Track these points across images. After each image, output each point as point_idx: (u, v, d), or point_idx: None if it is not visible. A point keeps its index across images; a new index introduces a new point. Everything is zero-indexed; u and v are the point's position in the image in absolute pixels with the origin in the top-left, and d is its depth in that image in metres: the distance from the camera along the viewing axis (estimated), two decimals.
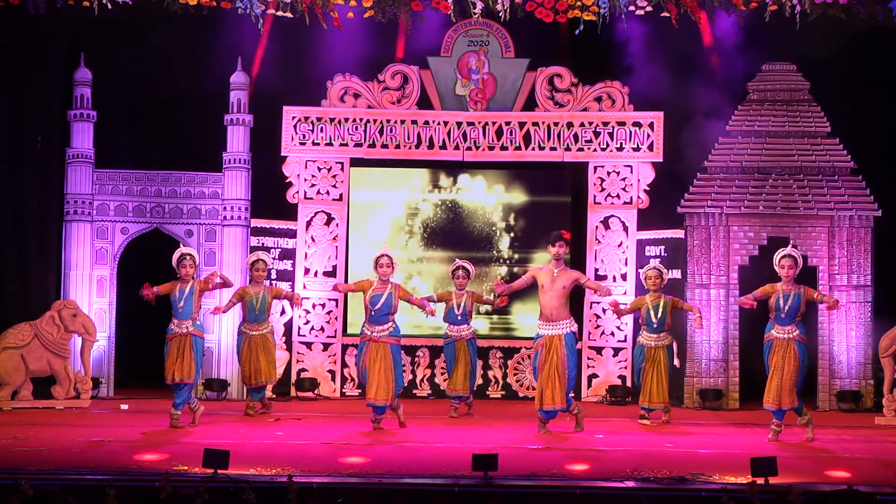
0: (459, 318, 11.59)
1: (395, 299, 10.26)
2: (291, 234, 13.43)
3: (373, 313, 10.23)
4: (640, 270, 11.92)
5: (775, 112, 13.17)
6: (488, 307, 12.47)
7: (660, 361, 11.07)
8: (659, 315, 11.05)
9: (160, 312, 10.57)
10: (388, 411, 10.26)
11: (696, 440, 9.88)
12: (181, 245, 10.81)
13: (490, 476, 7.32)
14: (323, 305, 13.42)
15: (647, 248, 13.24)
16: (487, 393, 13.30)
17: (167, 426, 10.16)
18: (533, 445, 9.30)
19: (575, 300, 13.28)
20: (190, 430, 10.02)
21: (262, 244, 13.19)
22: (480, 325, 13.32)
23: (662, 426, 10.89)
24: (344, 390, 13.31)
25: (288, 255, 13.39)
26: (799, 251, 10.24)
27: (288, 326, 13.33)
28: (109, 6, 11.21)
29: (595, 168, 13.50)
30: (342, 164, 13.58)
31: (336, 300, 13.39)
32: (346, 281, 13.38)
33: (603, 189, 13.49)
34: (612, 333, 13.28)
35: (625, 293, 13.11)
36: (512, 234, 13.73)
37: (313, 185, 13.53)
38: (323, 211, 13.52)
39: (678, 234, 13.07)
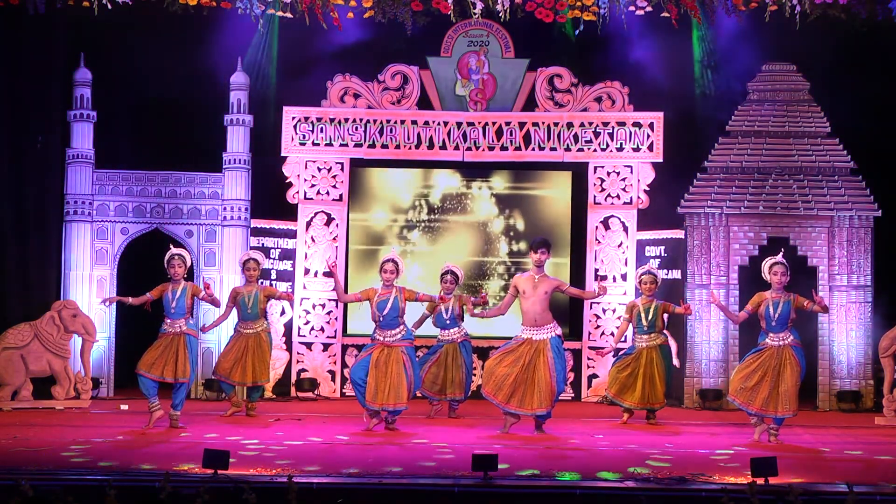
0: (448, 321, 11.52)
1: (401, 301, 10.23)
2: (291, 235, 13.43)
3: (381, 319, 10.17)
4: (637, 271, 11.89)
5: (775, 112, 13.17)
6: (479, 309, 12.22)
7: (653, 362, 11.08)
8: (649, 318, 11.12)
9: (160, 313, 10.55)
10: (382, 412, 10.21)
11: (696, 440, 9.88)
12: (171, 246, 10.79)
13: (490, 476, 7.32)
14: (323, 306, 13.42)
15: (647, 248, 13.25)
16: None
17: (167, 426, 10.16)
18: (533, 445, 9.30)
19: (575, 300, 13.33)
20: (188, 429, 10.00)
21: (262, 244, 13.19)
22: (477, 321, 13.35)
23: (649, 426, 10.95)
24: (344, 390, 13.30)
25: (288, 255, 13.40)
26: (786, 258, 10.18)
27: (288, 327, 13.33)
28: (109, 6, 11.20)
29: (595, 168, 13.51)
30: (342, 164, 13.59)
31: (336, 300, 13.38)
32: (345, 283, 13.40)
33: (603, 189, 13.50)
34: (612, 334, 13.26)
35: (624, 293, 13.13)
36: (511, 235, 13.75)
37: (313, 186, 13.54)
38: (323, 211, 13.53)
39: (678, 234, 13.08)
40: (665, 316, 11.25)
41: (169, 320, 10.40)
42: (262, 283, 11.84)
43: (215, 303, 10.90)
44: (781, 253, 10.23)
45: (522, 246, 13.62)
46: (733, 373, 10.32)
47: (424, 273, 13.60)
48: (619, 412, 11.34)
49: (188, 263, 10.64)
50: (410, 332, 10.37)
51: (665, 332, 11.30)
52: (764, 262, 10.22)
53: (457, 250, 13.62)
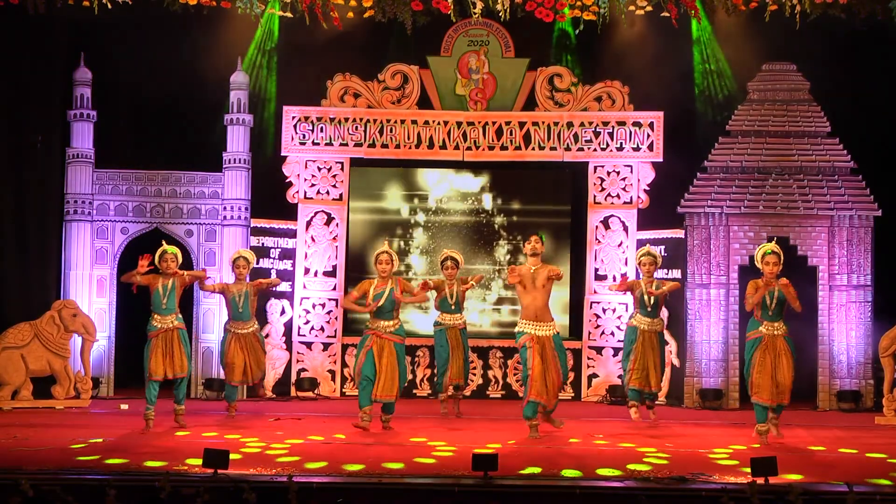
0: (453, 307, 11.54)
1: (397, 292, 10.26)
2: (291, 234, 13.43)
3: (376, 309, 10.23)
4: (637, 252, 11.87)
5: (775, 112, 13.17)
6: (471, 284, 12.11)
7: (654, 347, 11.01)
8: (652, 299, 11.04)
9: (148, 308, 10.49)
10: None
11: (696, 440, 9.88)
12: (163, 242, 10.73)
13: (490, 476, 7.32)
14: (323, 305, 13.41)
15: None
16: (487, 393, 13.29)
17: (167, 426, 10.15)
18: (533, 445, 9.29)
19: (575, 299, 13.36)
20: (188, 429, 9.99)
21: (262, 244, 13.18)
22: (477, 321, 13.37)
23: (657, 424, 10.94)
24: (344, 390, 13.31)
25: (288, 254, 13.40)
26: (785, 256, 10.11)
27: (288, 326, 13.33)
28: (109, 6, 11.22)
29: (595, 168, 13.51)
30: (342, 164, 13.59)
31: (336, 300, 13.39)
32: (345, 282, 13.40)
33: (603, 189, 13.49)
34: (612, 333, 13.28)
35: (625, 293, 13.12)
36: (511, 234, 13.74)
37: (313, 185, 13.53)
38: (323, 211, 13.53)
39: (678, 233, 13.07)
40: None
41: (158, 316, 10.30)
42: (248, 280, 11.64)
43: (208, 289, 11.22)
44: (774, 241, 10.21)
45: (521, 245, 13.60)
46: (753, 373, 9.90)
47: (424, 272, 13.60)
48: (619, 412, 11.31)
49: (180, 260, 10.59)
50: (403, 329, 10.38)
51: (665, 331, 11.27)
52: (757, 249, 10.16)
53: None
